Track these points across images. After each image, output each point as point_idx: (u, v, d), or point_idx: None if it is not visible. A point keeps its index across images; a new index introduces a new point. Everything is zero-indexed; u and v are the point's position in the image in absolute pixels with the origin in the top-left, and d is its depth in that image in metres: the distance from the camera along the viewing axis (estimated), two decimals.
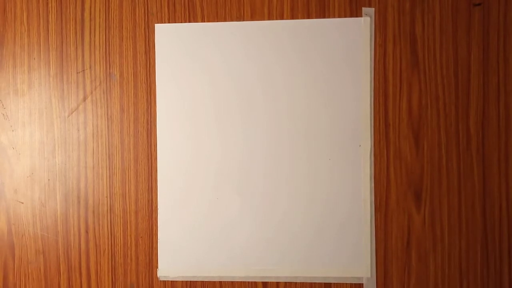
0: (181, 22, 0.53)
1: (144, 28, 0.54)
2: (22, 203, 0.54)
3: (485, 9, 0.52)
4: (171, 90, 0.53)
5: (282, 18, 0.53)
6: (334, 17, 0.52)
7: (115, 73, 0.54)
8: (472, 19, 0.52)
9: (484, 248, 0.52)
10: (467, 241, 0.52)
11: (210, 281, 0.53)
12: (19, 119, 0.54)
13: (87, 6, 0.54)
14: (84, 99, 0.54)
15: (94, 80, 0.54)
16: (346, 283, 0.53)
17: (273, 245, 0.53)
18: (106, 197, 0.54)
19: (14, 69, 0.55)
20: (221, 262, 0.53)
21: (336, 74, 0.53)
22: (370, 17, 0.52)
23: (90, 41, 0.54)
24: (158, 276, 0.54)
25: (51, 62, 0.54)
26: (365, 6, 0.52)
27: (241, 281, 0.53)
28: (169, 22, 0.53)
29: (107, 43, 0.54)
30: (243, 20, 0.53)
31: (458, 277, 0.52)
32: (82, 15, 0.54)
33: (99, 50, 0.54)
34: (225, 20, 0.53)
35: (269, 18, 0.53)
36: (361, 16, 0.52)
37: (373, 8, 0.52)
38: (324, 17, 0.52)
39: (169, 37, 0.53)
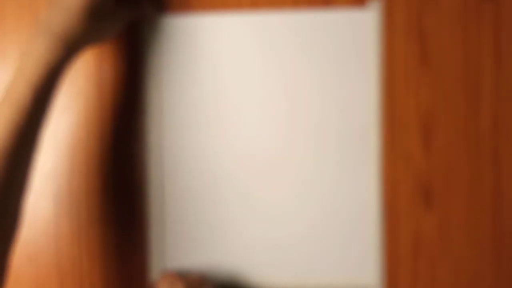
0: (176, 11, 0.52)
1: (139, 21, 0.52)
2: None
3: (497, 4, 0.51)
4: (167, 88, 0.52)
5: (283, 5, 0.51)
6: (338, 7, 0.51)
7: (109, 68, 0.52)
8: (483, 14, 0.51)
9: (496, 254, 0.51)
10: (478, 246, 0.51)
11: None
12: None
13: None
14: (77, 95, 0.53)
15: (85, 77, 0.53)
16: None
17: (274, 251, 0.52)
18: (98, 201, 0.53)
19: (3, 65, 0.53)
20: (219, 269, 0.52)
21: (341, 71, 0.51)
22: (377, 11, 0.51)
23: None
24: (152, 280, 0.52)
25: None
26: None
27: None
28: (164, 12, 0.52)
29: None
30: (242, 7, 0.51)
31: (468, 284, 0.51)
32: None
33: None
34: (222, 7, 0.52)
35: (270, 6, 0.51)
36: (365, 5, 0.51)
37: (379, 2, 0.51)
38: (327, 5, 0.51)
39: (165, 31, 0.52)
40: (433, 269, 0.51)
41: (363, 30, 0.51)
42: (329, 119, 0.51)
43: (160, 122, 0.52)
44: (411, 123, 0.51)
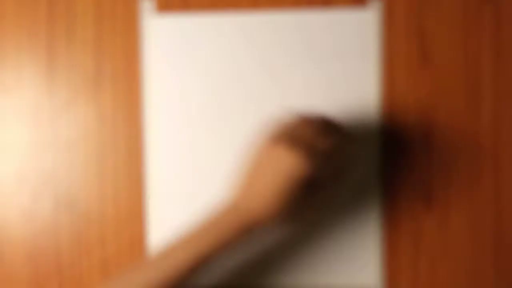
0: (174, 11, 0.52)
1: (138, 21, 0.52)
2: (10, 207, 0.53)
3: (496, 5, 0.51)
4: (166, 88, 0.52)
5: (283, 5, 0.51)
6: (338, 6, 0.51)
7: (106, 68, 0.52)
8: (483, 14, 0.51)
9: (496, 254, 0.51)
10: (478, 246, 0.51)
11: None
12: (6, 117, 0.53)
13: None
14: (76, 95, 0.53)
15: (84, 77, 0.53)
16: None
17: (274, 251, 0.52)
18: (97, 200, 0.53)
19: (3, 65, 0.53)
20: (220, 272, 0.52)
21: (341, 71, 0.51)
22: (377, 11, 0.51)
23: (81, 34, 0.52)
24: None
25: (40, 57, 0.53)
26: None
27: None
28: (162, 11, 0.52)
29: (98, 37, 0.52)
30: (242, 7, 0.52)
31: (468, 284, 0.51)
32: (74, 7, 0.53)
33: (90, 44, 0.52)
34: (222, 7, 0.52)
35: (270, 6, 0.51)
36: (366, 5, 0.51)
37: (379, 2, 0.51)
38: (327, 5, 0.51)
39: (164, 31, 0.52)
40: (433, 269, 0.51)
41: (363, 30, 0.51)
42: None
43: (159, 121, 0.52)
44: (411, 122, 0.51)
